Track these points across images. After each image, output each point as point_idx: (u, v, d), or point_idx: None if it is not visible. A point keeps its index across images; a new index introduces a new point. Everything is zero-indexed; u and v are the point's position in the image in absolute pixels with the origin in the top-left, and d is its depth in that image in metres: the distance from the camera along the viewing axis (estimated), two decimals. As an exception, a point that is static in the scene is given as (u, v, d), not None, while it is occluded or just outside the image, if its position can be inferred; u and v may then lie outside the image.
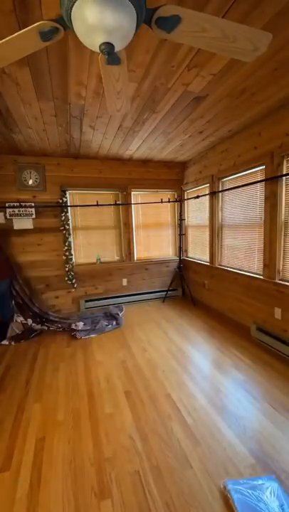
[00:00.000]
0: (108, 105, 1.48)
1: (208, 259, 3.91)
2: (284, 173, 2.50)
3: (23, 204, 3.64)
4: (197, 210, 4.24)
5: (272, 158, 2.59)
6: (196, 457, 1.50)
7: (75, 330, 3.28)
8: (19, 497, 1.32)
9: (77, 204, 4.03)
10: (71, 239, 3.98)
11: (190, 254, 4.62)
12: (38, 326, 3.37)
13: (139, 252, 4.49)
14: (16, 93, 2.01)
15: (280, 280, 2.62)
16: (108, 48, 0.91)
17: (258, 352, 2.62)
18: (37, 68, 1.72)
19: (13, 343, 3.03)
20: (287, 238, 2.55)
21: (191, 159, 4.25)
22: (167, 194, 4.63)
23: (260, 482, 1.30)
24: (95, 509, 1.25)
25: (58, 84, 1.91)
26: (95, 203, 4.01)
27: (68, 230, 3.89)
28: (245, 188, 3.05)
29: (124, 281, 4.37)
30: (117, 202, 4.18)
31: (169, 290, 4.63)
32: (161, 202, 4.32)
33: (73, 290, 4.04)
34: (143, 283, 4.51)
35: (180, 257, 4.51)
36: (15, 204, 3.64)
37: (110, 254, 4.29)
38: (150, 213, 4.51)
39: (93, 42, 0.92)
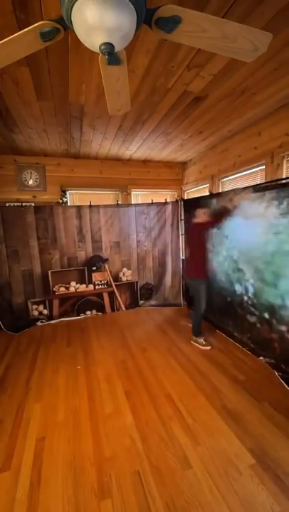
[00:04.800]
0: (108, 105, 1.48)
1: (208, 259, 3.91)
2: (284, 173, 2.50)
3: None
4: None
5: (272, 158, 2.59)
6: (197, 457, 1.50)
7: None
8: (19, 497, 1.32)
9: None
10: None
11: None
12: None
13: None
14: (15, 93, 2.01)
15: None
16: (108, 48, 0.91)
17: (258, 352, 2.61)
18: (37, 68, 1.72)
19: None
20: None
21: (191, 159, 4.25)
22: (167, 194, 4.63)
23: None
24: (95, 509, 1.25)
25: (58, 84, 1.91)
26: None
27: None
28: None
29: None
30: (118, 202, 4.17)
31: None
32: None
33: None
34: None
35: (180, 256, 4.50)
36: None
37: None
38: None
39: (93, 42, 0.92)
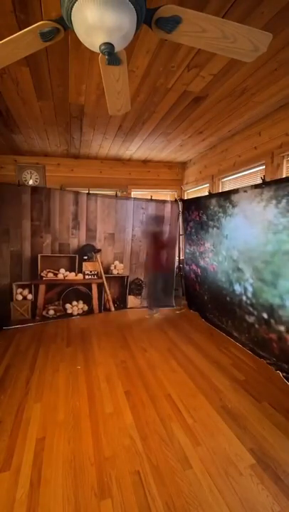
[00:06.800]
0: (108, 105, 1.48)
1: (208, 259, 3.91)
2: (284, 173, 2.50)
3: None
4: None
5: (272, 158, 2.59)
6: (196, 457, 1.50)
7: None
8: (19, 497, 1.32)
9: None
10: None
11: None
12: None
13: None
14: (16, 93, 2.02)
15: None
16: (108, 48, 0.91)
17: (258, 352, 2.62)
18: (37, 68, 1.72)
19: None
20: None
21: (191, 159, 4.25)
22: (167, 194, 4.63)
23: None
24: (95, 509, 1.25)
25: (57, 84, 1.91)
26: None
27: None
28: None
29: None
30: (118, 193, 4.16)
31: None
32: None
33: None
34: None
35: (180, 257, 4.51)
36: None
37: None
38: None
39: (93, 42, 0.92)
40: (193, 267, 3.89)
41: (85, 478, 1.41)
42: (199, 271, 3.71)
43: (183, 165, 4.55)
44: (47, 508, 1.27)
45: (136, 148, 3.57)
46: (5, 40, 0.95)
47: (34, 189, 3.49)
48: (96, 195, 3.77)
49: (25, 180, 3.72)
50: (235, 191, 2.72)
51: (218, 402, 1.94)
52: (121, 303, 4.19)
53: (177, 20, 0.93)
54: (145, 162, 4.32)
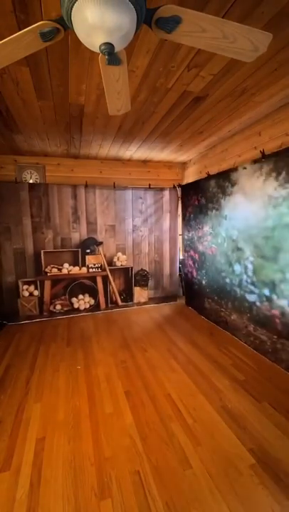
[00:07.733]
0: (108, 105, 1.48)
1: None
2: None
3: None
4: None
5: (272, 158, 2.58)
6: (197, 457, 1.50)
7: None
8: (19, 497, 1.32)
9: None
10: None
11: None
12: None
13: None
14: (15, 93, 2.01)
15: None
16: (108, 48, 0.91)
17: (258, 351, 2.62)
18: (37, 68, 1.72)
19: None
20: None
21: (191, 159, 4.25)
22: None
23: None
24: (95, 509, 1.25)
25: (57, 84, 1.91)
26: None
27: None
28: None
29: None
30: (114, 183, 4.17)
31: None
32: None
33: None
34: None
35: (179, 257, 4.51)
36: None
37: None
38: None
39: (93, 42, 0.92)
40: (192, 253, 3.85)
41: (85, 478, 1.41)
42: (197, 256, 3.69)
43: (183, 165, 4.54)
44: (47, 508, 1.27)
45: (136, 149, 3.56)
46: (5, 40, 0.95)
47: (31, 186, 3.52)
48: (94, 186, 3.77)
49: (25, 180, 3.72)
50: (234, 169, 2.72)
51: (218, 402, 1.94)
52: (127, 295, 4.18)
53: (177, 20, 0.93)
54: (145, 162, 4.32)
